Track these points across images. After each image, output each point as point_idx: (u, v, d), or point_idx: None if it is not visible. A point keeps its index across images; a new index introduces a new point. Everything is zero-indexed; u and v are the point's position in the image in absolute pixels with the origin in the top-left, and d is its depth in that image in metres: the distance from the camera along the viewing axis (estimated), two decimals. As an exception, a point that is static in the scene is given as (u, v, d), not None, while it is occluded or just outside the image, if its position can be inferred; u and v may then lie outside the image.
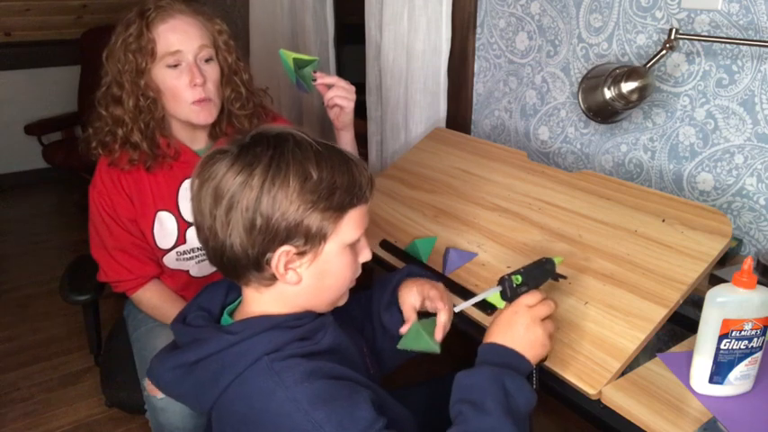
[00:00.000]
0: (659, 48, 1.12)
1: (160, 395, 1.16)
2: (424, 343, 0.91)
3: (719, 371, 0.80)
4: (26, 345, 2.25)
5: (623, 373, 0.86)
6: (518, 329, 0.81)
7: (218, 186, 0.73)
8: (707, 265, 0.91)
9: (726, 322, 0.77)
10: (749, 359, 0.79)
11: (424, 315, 0.95)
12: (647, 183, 1.32)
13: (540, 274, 0.89)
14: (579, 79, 1.31)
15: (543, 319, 0.82)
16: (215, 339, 0.76)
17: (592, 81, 1.19)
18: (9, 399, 1.96)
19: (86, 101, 3.29)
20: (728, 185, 1.18)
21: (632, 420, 0.80)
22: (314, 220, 0.74)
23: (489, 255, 1.14)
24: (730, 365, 0.79)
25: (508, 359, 0.79)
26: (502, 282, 0.85)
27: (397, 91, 1.77)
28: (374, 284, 1.02)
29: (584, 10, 1.36)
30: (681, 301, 0.89)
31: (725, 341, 0.78)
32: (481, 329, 0.99)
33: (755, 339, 0.78)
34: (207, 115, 1.20)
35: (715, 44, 1.14)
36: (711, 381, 0.81)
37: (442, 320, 0.92)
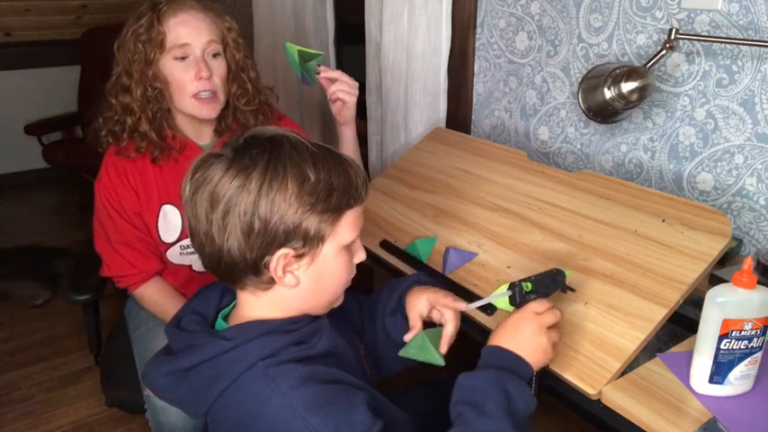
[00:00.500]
0: (659, 48, 1.12)
1: (159, 395, 1.16)
2: (428, 354, 0.90)
3: (719, 371, 0.80)
4: (26, 345, 2.25)
5: (623, 373, 0.86)
6: (524, 335, 0.81)
7: (215, 191, 0.72)
8: (707, 265, 0.91)
9: (726, 322, 0.77)
10: (749, 359, 0.79)
11: (430, 325, 0.95)
12: (647, 183, 1.32)
13: (550, 284, 0.89)
14: (579, 79, 1.31)
15: (549, 328, 0.83)
16: (209, 345, 0.76)
17: (592, 81, 1.19)
18: (9, 399, 1.96)
19: (86, 101, 3.30)
20: (728, 185, 1.18)
21: (632, 420, 0.80)
22: (312, 222, 0.74)
23: (489, 255, 1.14)
24: (730, 365, 0.79)
25: (511, 363, 0.80)
26: (512, 287, 0.86)
27: (397, 91, 1.77)
28: (382, 289, 1.01)
29: (584, 10, 1.36)
30: (681, 301, 0.89)
31: (725, 341, 0.78)
32: (482, 331, 0.99)
33: (755, 339, 0.78)
34: (210, 110, 1.21)
35: (715, 44, 1.14)
36: (711, 381, 0.81)
37: (449, 332, 0.91)
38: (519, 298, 0.86)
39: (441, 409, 0.80)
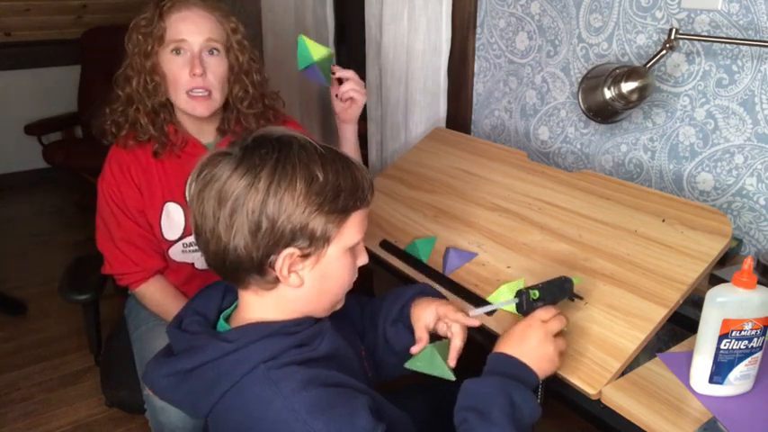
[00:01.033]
0: (659, 48, 1.12)
1: (159, 395, 1.16)
2: (438, 368, 0.89)
3: (719, 371, 0.80)
4: (26, 345, 2.25)
5: (623, 373, 0.86)
6: (530, 343, 0.81)
7: (223, 189, 0.72)
8: (707, 265, 0.91)
9: (726, 322, 0.77)
10: (749, 359, 0.79)
11: (435, 337, 0.94)
12: (647, 183, 1.32)
13: (557, 292, 0.89)
14: (579, 79, 1.31)
15: (555, 336, 0.83)
16: (211, 347, 0.76)
17: (592, 81, 1.19)
18: (9, 399, 1.96)
19: (86, 101, 3.29)
20: (728, 185, 1.18)
21: (632, 420, 0.80)
22: (319, 222, 0.74)
23: (489, 255, 1.14)
24: (730, 365, 0.79)
25: (517, 371, 0.79)
26: (519, 295, 0.87)
27: (397, 91, 1.77)
28: (385, 296, 1.01)
29: (584, 10, 1.36)
30: (681, 301, 0.89)
31: (725, 341, 0.78)
32: (483, 333, 0.99)
33: (755, 339, 0.78)
34: (203, 108, 1.21)
35: (715, 44, 1.14)
36: (711, 381, 0.81)
37: (457, 345, 0.90)
38: (526, 306, 0.86)
39: (442, 411, 0.80)
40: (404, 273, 1.20)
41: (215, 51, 1.20)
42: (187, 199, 1.27)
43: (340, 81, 1.32)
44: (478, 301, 1.04)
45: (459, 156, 1.43)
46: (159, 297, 1.31)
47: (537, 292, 0.87)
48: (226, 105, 1.27)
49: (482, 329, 1.00)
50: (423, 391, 1.15)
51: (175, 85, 1.19)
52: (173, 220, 1.27)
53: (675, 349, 0.91)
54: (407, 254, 1.23)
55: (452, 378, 0.88)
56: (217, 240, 0.74)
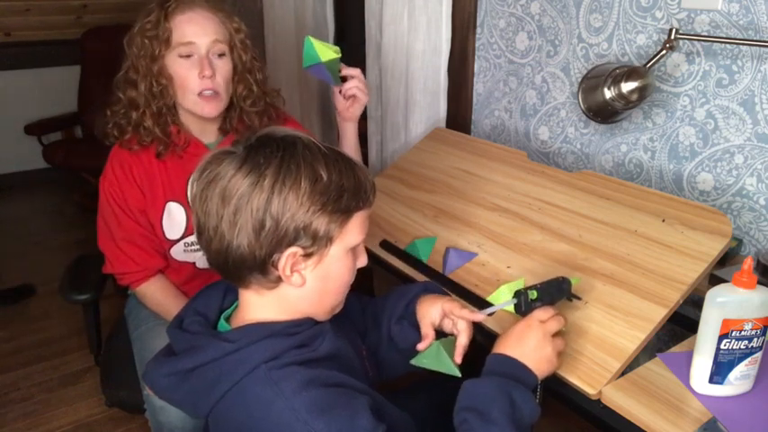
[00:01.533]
0: (659, 48, 1.12)
1: (159, 395, 1.17)
2: (444, 364, 0.89)
3: (719, 371, 0.80)
4: (26, 345, 2.25)
5: (623, 373, 0.86)
6: (529, 344, 0.81)
7: (227, 187, 0.72)
8: (707, 265, 0.91)
9: (726, 322, 0.77)
10: (749, 359, 0.79)
11: (441, 334, 0.94)
12: (647, 183, 1.32)
13: (555, 292, 0.90)
14: (579, 79, 1.31)
15: (554, 336, 0.83)
16: (212, 347, 0.76)
17: (592, 81, 1.19)
18: (9, 399, 1.96)
19: (86, 101, 3.30)
20: (728, 185, 1.18)
21: (632, 420, 0.80)
22: (322, 222, 0.74)
23: (489, 255, 1.14)
24: (730, 365, 0.79)
25: (517, 372, 0.80)
26: (518, 295, 0.87)
27: (397, 91, 1.77)
28: (388, 294, 1.01)
29: (584, 10, 1.36)
30: (681, 301, 0.89)
31: (725, 341, 0.78)
32: (483, 332, 0.99)
33: (755, 339, 0.78)
34: (212, 109, 1.22)
35: (715, 44, 1.14)
36: (711, 381, 0.81)
37: (463, 342, 0.90)
38: (524, 306, 0.86)
39: (443, 409, 0.80)
40: (404, 273, 1.20)
41: (222, 55, 1.21)
42: (189, 197, 1.28)
43: (344, 78, 1.32)
44: (478, 301, 1.04)
45: (460, 156, 1.43)
46: (160, 296, 1.31)
47: (535, 293, 0.87)
48: (229, 104, 1.27)
49: (482, 329, 1.00)
50: (424, 390, 1.15)
51: (184, 88, 1.19)
52: (174, 219, 1.27)
53: (675, 349, 0.91)
54: (407, 254, 1.23)
55: (458, 375, 0.88)
56: (220, 238, 0.74)
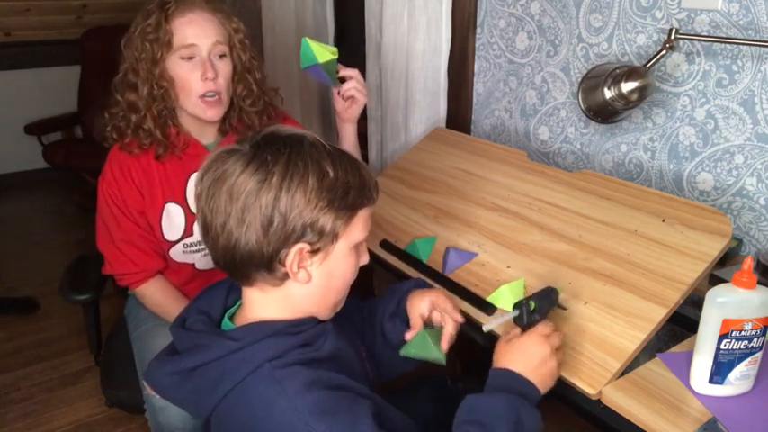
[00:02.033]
0: (659, 48, 1.12)
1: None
2: (429, 351, 0.91)
3: (719, 371, 0.80)
4: (26, 345, 2.25)
5: (623, 373, 0.86)
6: (534, 359, 0.81)
7: (235, 184, 0.73)
8: (707, 265, 0.91)
9: (726, 322, 0.77)
10: (749, 359, 0.79)
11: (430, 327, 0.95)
12: (647, 183, 1.32)
13: (547, 303, 0.89)
14: (579, 79, 1.31)
15: (556, 350, 0.83)
16: (216, 345, 0.76)
17: (592, 81, 1.19)
18: (9, 399, 1.96)
19: (86, 101, 3.29)
20: (728, 185, 1.18)
21: (632, 420, 0.80)
22: (329, 218, 0.75)
23: (489, 255, 1.14)
24: (730, 365, 0.79)
25: (524, 388, 0.79)
26: (519, 306, 0.86)
27: (397, 91, 1.77)
28: (384, 292, 1.02)
29: (584, 10, 1.36)
30: (681, 301, 0.89)
31: (725, 341, 0.78)
32: (481, 330, 0.99)
33: (755, 339, 0.78)
34: (214, 113, 1.22)
35: (715, 44, 1.14)
36: (711, 381, 0.81)
37: (450, 331, 0.93)
38: (527, 318, 0.85)
39: (444, 410, 0.80)
40: (404, 273, 1.20)
41: (223, 56, 1.21)
42: (191, 196, 1.28)
43: (342, 79, 1.32)
44: (478, 301, 1.04)
45: (460, 156, 1.43)
46: (159, 297, 1.31)
47: (534, 303, 0.86)
48: (228, 105, 1.27)
49: (478, 326, 1.00)
50: (425, 390, 1.15)
51: (187, 91, 1.19)
52: (173, 220, 1.27)
53: (675, 349, 0.91)
54: (407, 254, 1.23)
55: (443, 361, 0.91)
56: (227, 236, 0.74)
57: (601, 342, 0.89)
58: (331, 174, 0.75)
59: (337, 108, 1.36)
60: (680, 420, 0.77)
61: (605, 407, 0.83)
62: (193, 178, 1.27)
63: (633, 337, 0.87)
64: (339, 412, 0.71)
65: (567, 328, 0.93)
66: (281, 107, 1.39)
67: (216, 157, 0.76)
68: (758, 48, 1.08)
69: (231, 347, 0.75)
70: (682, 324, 0.98)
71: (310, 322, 0.80)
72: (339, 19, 2.18)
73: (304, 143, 0.76)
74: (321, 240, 0.76)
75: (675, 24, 1.19)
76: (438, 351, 0.91)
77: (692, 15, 1.17)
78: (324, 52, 1.26)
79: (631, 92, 1.11)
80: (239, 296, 0.85)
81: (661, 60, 1.13)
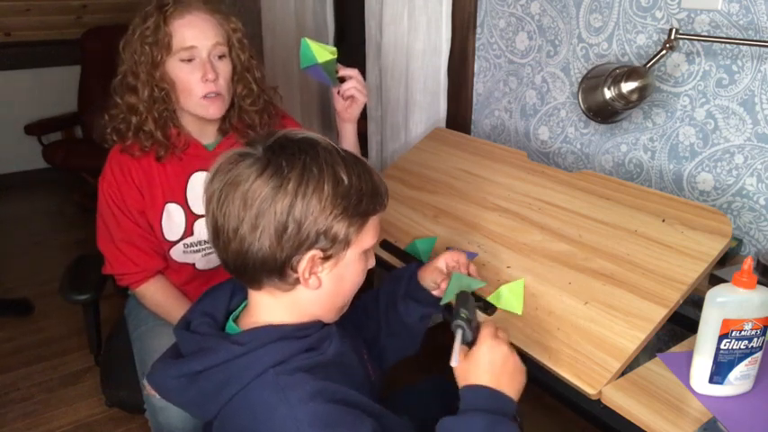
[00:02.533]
0: (659, 48, 1.12)
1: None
2: (470, 283, 0.96)
3: (719, 371, 0.80)
4: (26, 345, 2.24)
5: (623, 373, 0.86)
6: (497, 363, 0.78)
7: (250, 189, 0.72)
8: (707, 265, 0.91)
9: (726, 322, 0.77)
10: (749, 359, 0.79)
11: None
12: (647, 183, 1.32)
13: (471, 306, 0.87)
14: (579, 79, 1.31)
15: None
16: (222, 349, 0.75)
17: (592, 81, 1.19)
18: (9, 399, 1.96)
19: (86, 101, 3.29)
20: (728, 185, 1.18)
21: (632, 420, 0.80)
22: (342, 226, 0.75)
23: (489, 255, 1.14)
24: (730, 365, 0.79)
25: (497, 403, 0.76)
26: (458, 326, 0.83)
27: (397, 91, 1.77)
28: (381, 284, 1.03)
29: (584, 10, 1.36)
30: (681, 301, 0.89)
31: (725, 341, 0.78)
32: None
33: (755, 339, 0.78)
34: (216, 110, 1.22)
35: (715, 44, 1.14)
36: (711, 381, 0.81)
37: (474, 269, 1.01)
38: (470, 331, 0.82)
39: (444, 411, 0.79)
40: (404, 273, 1.20)
41: (223, 57, 1.21)
42: (191, 197, 1.27)
43: (342, 79, 1.32)
44: (478, 301, 1.04)
45: (460, 156, 1.43)
46: (160, 297, 1.31)
47: (465, 313, 0.84)
48: (230, 104, 1.27)
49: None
50: (426, 389, 1.15)
51: (188, 92, 1.19)
52: (173, 221, 1.27)
53: (675, 349, 0.91)
54: (407, 254, 1.23)
55: (485, 283, 1.02)
56: (240, 241, 0.73)
57: (601, 342, 0.89)
58: (345, 181, 0.74)
59: (337, 108, 1.36)
60: (680, 420, 0.77)
61: (605, 407, 0.83)
62: (193, 178, 1.27)
63: (633, 337, 0.87)
64: (339, 427, 0.70)
65: (566, 327, 0.93)
66: (280, 105, 1.39)
67: (227, 159, 0.75)
68: (758, 48, 1.08)
69: (237, 352, 0.74)
70: (682, 324, 0.98)
71: (315, 326, 0.80)
72: (339, 19, 2.18)
73: (318, 148, 0.75)
74: (333, 247, 0.75)
75: (675, 24, 1.19)
76: (476, 280, 0.98)
77: (692, 15, 1.17)
78: (323, 52, 1.26)
79: (631, 92, 1.11)
80: (243, 298, 0.84)
81: (661, 60, 1.13)
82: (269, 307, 0.80)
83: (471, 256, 1.16)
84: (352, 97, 1.33)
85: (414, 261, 1.21)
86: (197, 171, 1.27)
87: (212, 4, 1.23)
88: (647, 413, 0.79)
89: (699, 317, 0.81)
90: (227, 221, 0.74)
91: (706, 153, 1.21)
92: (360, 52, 1.91)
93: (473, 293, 0.95)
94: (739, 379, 0.80)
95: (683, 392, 0.82)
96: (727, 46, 1.13)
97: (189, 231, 1.28)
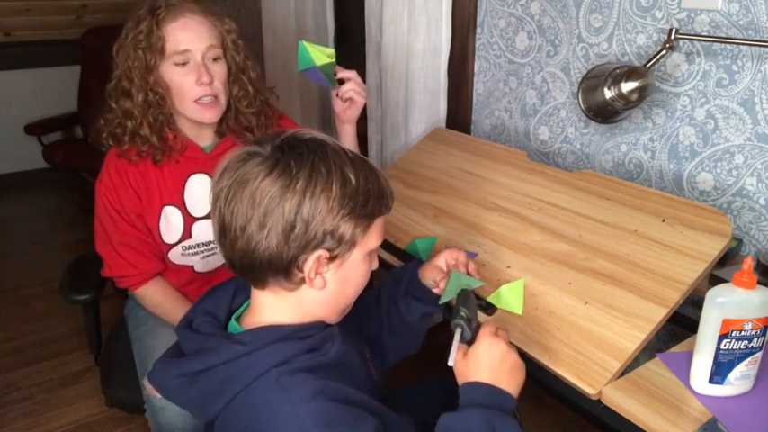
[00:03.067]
0: (659, 48, 1.12)
1: (159, 395, 1.16)
2: (469, 281, 0.97)
3: (719, 371, 0.80)
4: (26, 345, 2.25)
5: (623, 373, 0.86)
6: (496, 360, 0.78)
7: (258, 188, 0.72)
8: (707, 265, 0.91)
9: (726, 322, 0.77)
10: (749, 359, 0.79)
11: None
12: (647, 183, 1.32)
13: (472, 305, 0.88)
14: (579, 79, 1.32)
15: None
16: (224, 349, 0.75)
17: (592, 81, 1.19)
18: (9, 399, 1.96)
19: (86, 101, 3.29)
20: (728, 185, 1.18)
21: (632, 420, 0.80)
22: (349, 226, 0.75)
23: (489, 255, 1.14)
24: (730, 365, 0.79)
25: (496, 399, 0.77)
26: (458, 324, 0.83)
27: (397, 91, 1.77)
28: (382, 284, 1.03)
29: (584, 10, 1.36)
30: (681, 301, 0.89)
31: (725, 341, 0.78)
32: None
33: (755, 339, 0.78)
34: (212, 115, 1.21)
35: (715, 44, 1.14)
36: (711, 381, 0.81)
37: (473, 266, 1.03)
38: (469, 330, 0.83)
39: (444, 411, 0.79)
40: (404, 273, 1.20)
41: (217, 59, 1.20)
42: (188, 199, 1.27)
43: (341, 81, 1.32)
44: (479, 301, 1.04)
45: (460, 156, 1.43)
46: (159, 299, 1.30)
47: (465, 312, 0.84)
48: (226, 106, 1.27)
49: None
50: (426, 389, 1.15)
51: (182, 96, 1.18)
52: (171, 223, 1.27)
53: (675, 349, 0.91)
54: (407, 254, 1.23)
55: (482, 283, 1.02)
56: (247, 239, 0.73)
57: (601, 342, 0.89)
58: (353, 181, 0.74)
59: (336, 110, 1.36)
60: (680, 420, 0.77)
61: (605, 407, 0.83)
62: (191, 181, 1.26)
63: (633, 337, 0.87)
64: (341, 426, 0.70)
65: (566, 327, 0.93)
66: (276, 106, 1.39)
67: (235, 157, 0.75)
68: (758, 48, 1.08)
69: (239, 351, 0.74)
70: (682, 324, 0.98)
71: (318, 327, 0.80)
72: (339, 19, 2.18)
73: (327, 149, 0.75)
74: (340, 247, 0.76)
75: (675, 24, 1.19)
76: (474, 279, 0.99)
77: (692, 15, 1.17)
78: (320, 55, 1.25)
79: (631, 92, 1.11)
80: (246, 297, 0.84)
81: (661, 60, 1.13)
82: (272, 307, 0.79)
83: (471, 255, 1.16)
84: (350, 99, 1.32)
85: (413, 260, 1.21)
86: (194, 174, 1.26)
87: (205, 6, 1.21)
88: (647, 413, 0.79)
89: (699, 317, 0.81)
90: (235, 220, 0.74)
91: (706, 153, 1.21)
92: (360, 52, 1.91)
93: (475, 298, 0.94)
94: (739, 379, 0.80)
95: (682, 392, 0.82)
96: (727, 46, 1.13)
97: (187, 234, 1.28)
